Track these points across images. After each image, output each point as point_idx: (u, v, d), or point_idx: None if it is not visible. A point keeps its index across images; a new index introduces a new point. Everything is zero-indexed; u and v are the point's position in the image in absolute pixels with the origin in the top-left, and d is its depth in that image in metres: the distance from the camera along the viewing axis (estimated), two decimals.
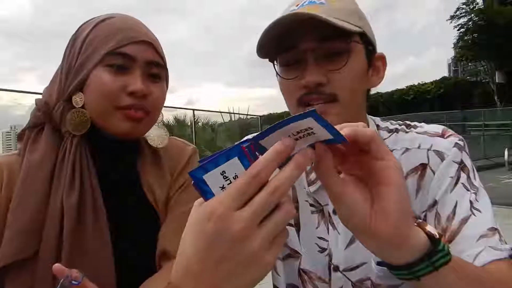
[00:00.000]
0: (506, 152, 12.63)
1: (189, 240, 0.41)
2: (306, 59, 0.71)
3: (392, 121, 0.85)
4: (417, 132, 0.78)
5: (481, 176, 0.77)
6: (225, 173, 0.40)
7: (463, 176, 0.71)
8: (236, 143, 0.41)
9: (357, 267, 0.75)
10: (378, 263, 0.71)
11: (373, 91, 0.84)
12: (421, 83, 31.36)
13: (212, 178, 0.40)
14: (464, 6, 27.18)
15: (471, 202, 0.69)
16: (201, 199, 0.42)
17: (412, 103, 27.49)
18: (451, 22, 28.08)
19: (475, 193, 0.70)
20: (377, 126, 0.83)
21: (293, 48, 0.72)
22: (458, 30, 27.78)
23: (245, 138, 0.45)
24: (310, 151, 0.41)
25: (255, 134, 0.42)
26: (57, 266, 0.58)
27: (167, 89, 0.86)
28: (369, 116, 0.84)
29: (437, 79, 31.44)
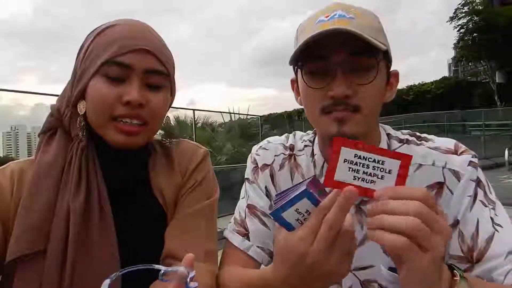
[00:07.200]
0: (506, 152, 12.63)
1: (278, 261, 0.59)
2: (335, 70, 0.72)
3: (403, 131, 0.86)
4: (429, 147, 0.79)
5: None
6: (298, 209, 0.53)
7: (480, 192, 0.74)
8: (303, 187, 0.55)
9: (365, 268, 0.78)
10: (390, 269, 0.73)
11: None
12: (421, 83, 31.37)
13: (289, 214, 0.54)
14: (461, 7, 27.20)
15: (492, 218, 0.72)
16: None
17: (412, 103, 27.47)
18: (450, 23, 28.11)
19: (493, 208, 0.73)
20: (388, 134, 0.84)
21: (323, 58, 0.73)
22: (458, 30, 27.80)
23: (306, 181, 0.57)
24: (349, 191, 0.51)
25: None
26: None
27: (173, 96, 0.85)
28: (380, 124, 0.85)
29: (437, 79, 31.45)
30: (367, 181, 0.53)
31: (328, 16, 0.74)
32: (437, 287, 0.54)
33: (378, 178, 0.52)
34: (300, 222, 0.54)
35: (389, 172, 0.52)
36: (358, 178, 0.53)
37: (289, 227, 0.55)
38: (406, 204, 0.49)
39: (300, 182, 0.60)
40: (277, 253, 0.58)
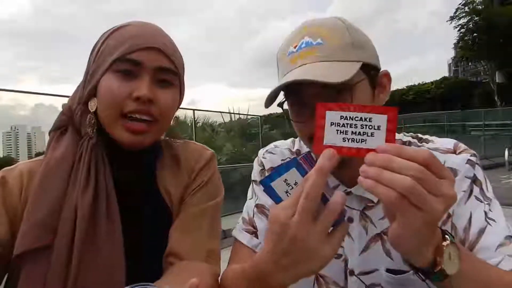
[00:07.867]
0: (506, 152, 12.65)
1: (266, 234, 0.57)
2: (312, 103, 0.71)
3: (405, 133, 0.87)
4: (429, 148, 0.79)
5: None
6: (287, 180, 0.53)
7: (476, 189, 0.75)
8: (293, 157, 0.56)
9: (370, 272, 0.78)
10: (388, 270, 0.73)
11: None
12: (421, 83, 31.42)
13: (278, 185, 0.53)
14: (462, 7, 27.22)
15: (485, 212, 0.72)
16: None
17: (412, 103, 27.49)
18: (451, 23, 28.13)
19: (489, 204, 0.73)
20: None
21: (298, 93, 0.74)
22: (458, 30, 27.82)
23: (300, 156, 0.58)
24: (328, 152, 0.51)
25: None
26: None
27: (182, 97, 0.86)
28: None
29: (437, 79, 31.47)
30: (357, 140, 0.51)
31: (296, 46, 0.74)
32: (427, 248, 0.54)
33: (368, 136, 0.51)
34: (289, 194, 0.53)
35: (378, 128, 0.51)
36: (348, 139, 0.51)
37: (278, 200, 0.54)
38: (406, 164, 0.48)
39: (295, 157, 0.59)
40: (268, 227, 0.58)
